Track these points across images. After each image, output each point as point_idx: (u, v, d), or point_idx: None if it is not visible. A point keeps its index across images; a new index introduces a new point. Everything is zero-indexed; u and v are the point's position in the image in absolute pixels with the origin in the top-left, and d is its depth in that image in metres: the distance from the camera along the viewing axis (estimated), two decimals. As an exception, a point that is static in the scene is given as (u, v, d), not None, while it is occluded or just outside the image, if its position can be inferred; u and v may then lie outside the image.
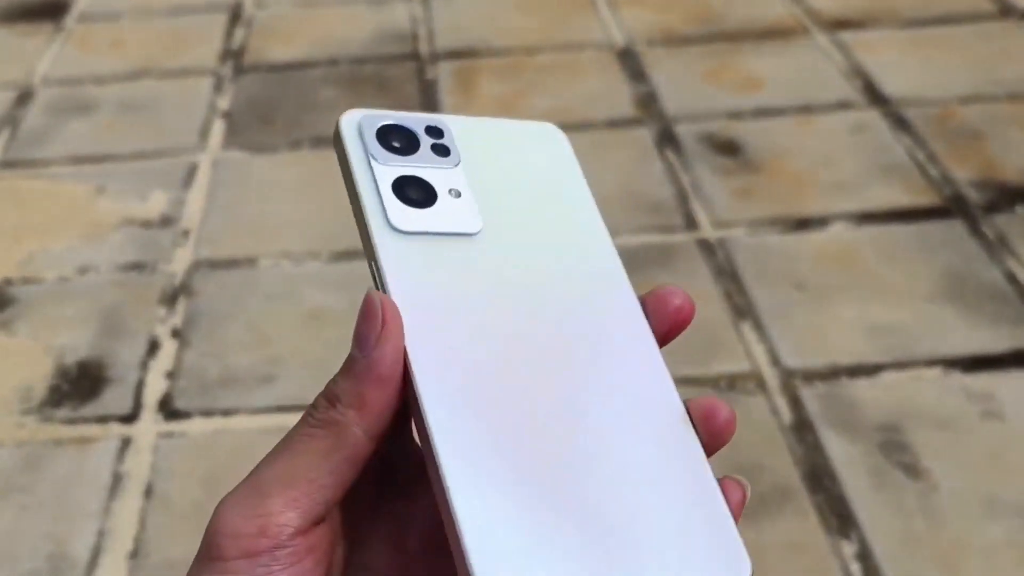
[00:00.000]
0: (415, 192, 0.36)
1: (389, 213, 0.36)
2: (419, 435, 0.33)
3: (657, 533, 0.32)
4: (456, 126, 0.39)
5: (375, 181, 0.36)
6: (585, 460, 0.33)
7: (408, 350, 0.33)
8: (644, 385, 0.35)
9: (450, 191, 0.37)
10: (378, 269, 0.35)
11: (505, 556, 0.30)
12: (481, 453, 0.32)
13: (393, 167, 0.37)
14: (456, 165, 0.38)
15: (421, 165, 0.37)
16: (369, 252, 0.35)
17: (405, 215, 0.36)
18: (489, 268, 0.36)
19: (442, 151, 0.38)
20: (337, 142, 0.37)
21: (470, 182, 0.37)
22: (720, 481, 0.34)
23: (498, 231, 0.37)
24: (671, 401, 0.35)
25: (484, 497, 0.31)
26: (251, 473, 0.33)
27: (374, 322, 0.33)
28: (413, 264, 0.35)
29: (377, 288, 0.34)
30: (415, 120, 0.38)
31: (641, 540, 0.32)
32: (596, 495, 0.32)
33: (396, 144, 0.37)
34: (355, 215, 0.36)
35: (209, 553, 0.32)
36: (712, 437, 0.35)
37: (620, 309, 0.36)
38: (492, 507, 0.31)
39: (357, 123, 0.37)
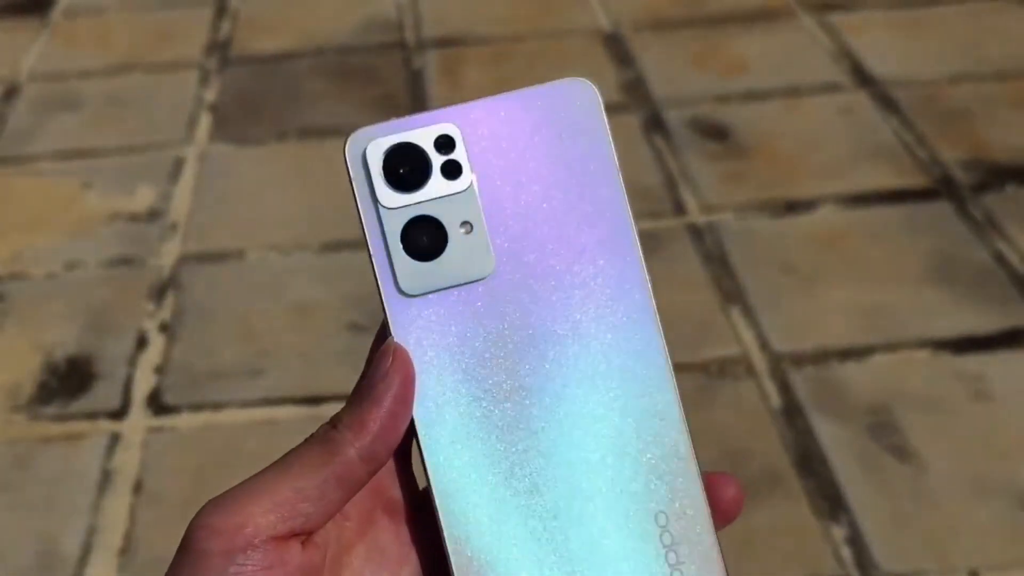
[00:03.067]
0: (425, 237, 0.35)
1: (399, 276, 0.35)
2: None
3: (630, 564, 0.34)
4: (469, 123, 0.36)
5: (383, 234, 0.35)
6: (579, 506, 0.34)
7: (417, 420, 0.34)
8: (644, 414, 0.35)
9: (462, 224, 0.36)
10: (391, 329, 0.35)
11: None
12: (484, 529, 0.34)
13: (401, 210, 0.35)
14: (468, 187, 0.36)
15: (431, 198, 0.36)
16: (382, 305, 0.35)
17: (414, 276, 0.35)
18: (502, 312, 0.35)
19: (454, 171, 0.36)
20: (346, 172, 0.36)
21: (484, 201, 0.36)
22: (707, 476, 0.35)
23: (513, 261, 0.36)
24: (672, 422, 0.35)
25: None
26: (242, 481, 0.34)
27: (383, 361, 0.34)
28: (424, 329, 0.35)
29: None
30: (425, 133, 0.36)
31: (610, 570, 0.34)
32: (584, 537, 0.34)
33: (404, 172, 0.35)
34: (368, 253, 0.36)
35: (186, 546, 0.32)
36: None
37: (637, 339, 0.36)
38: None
39: (362, 153, 0.35)
